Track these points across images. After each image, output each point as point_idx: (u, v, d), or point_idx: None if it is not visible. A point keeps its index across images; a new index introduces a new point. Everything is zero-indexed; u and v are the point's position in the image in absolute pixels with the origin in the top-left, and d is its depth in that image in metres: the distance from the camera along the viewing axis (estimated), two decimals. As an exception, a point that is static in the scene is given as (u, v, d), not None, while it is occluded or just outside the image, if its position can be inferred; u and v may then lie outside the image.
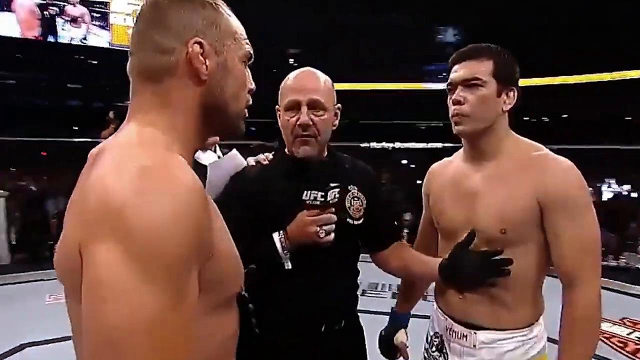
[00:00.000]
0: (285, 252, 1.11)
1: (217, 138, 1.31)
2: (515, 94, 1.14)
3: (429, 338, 1.29)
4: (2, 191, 5.75)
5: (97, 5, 11.03)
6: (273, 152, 1.30)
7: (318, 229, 1.09)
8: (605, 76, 11.90)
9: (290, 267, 1.13)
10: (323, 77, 1.21)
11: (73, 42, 10.06)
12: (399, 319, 1.41)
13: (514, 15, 11.73)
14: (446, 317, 1.22)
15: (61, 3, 10.06)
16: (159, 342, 0.48)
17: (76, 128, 12.91)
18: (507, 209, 1.09)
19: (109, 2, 11.47)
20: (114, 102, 7.36)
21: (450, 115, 1.16)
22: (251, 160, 1.28)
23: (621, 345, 3.63)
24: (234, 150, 1.30)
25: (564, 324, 1.07)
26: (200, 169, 1.19)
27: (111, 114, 3.21)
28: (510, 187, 1.10)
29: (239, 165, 1.27)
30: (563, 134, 11.69)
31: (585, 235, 1.06)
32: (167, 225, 0.49)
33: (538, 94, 10.95)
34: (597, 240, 1.08)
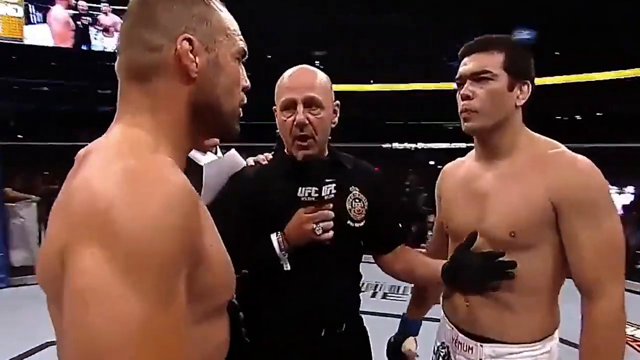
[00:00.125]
0: (283, 252, 1.09)
1: (217, 140, 1.30)
2: (530, 87, 1.07)
3: (436, 348, 1.23)
4: (34, 196, 5.96)
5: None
6: (273, 152, 1.27)
7: (314, 225, 1.06)
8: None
9: (289, 268, 1.10)
10: (319, 74, 1.17)
11: (106, 50, 10.45)
12: (408, 326, 1.35)
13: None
14: (452, 326, 1.16)
15: (94, 12, 10.49)
16: (147, 349, 0.45)
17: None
18: (517, 211, 1.02)
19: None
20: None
21: (459, 112, 1.10)
22: (250, 160, 1.27)
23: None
24: (233, 150, 1.28)
25: (583, 337, 0.99)
26: (199, 171, 1.17)
27: None
28: (521, 187, 1.03)
29: (237, 165, 1.25)
30: (598, 133, 11.26)
31: (605, 242, 0.97)
32: (153, 229, 0.47)
33: (571, 92, 10.64)
34: (619, 247, 0.99)
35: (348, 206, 1.18)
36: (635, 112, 10.85)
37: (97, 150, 0.57)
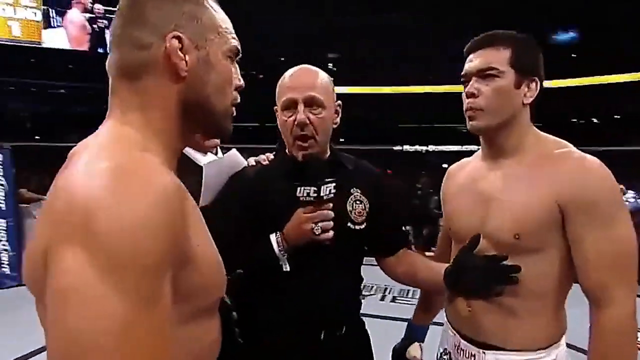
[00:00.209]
0: (282, 253, 1.08)
1: (218, 141, 1.30)
2: (538, 85, 1.03)
3: (439, 355, 1.20)
4: (49, 196, 6.05)
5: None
6: (274, 153, 1.26)
7: (313, 225, 1.05)
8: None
9: (288, 268, 1.09)
10: (320, 74, 1.16)
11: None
12: (414, 332, 1.31)
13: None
14: (455, 332, 1.12)
15: (110, 16, 10.69)
16: (128, 350, 0.45)
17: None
18: (522, 212, 0.98)
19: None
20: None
21: (464, 110, 1.06)
22: (252, 160, 1.26)
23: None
24: (234, 150, 1.27)
25: (591, 347, 0.94)
26: (200, 172, 1.17)
27: None
28: (527, 188, 0.99)
29: (238, 165, 1.24)
30: (615, 135, 11.04)
31: (615, 248, 0.92)
32: (135, 229, 0.46)
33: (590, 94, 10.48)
34: (629, 252, 0.94)
35: (349, 208, 1.16)
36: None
37: (84, 148, 0.57)
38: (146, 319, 0.46)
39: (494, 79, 1.01)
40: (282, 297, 1.12)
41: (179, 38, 0.61)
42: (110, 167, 0.50)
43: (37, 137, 12.91)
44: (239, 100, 0.71)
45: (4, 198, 4.81)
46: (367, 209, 1.18)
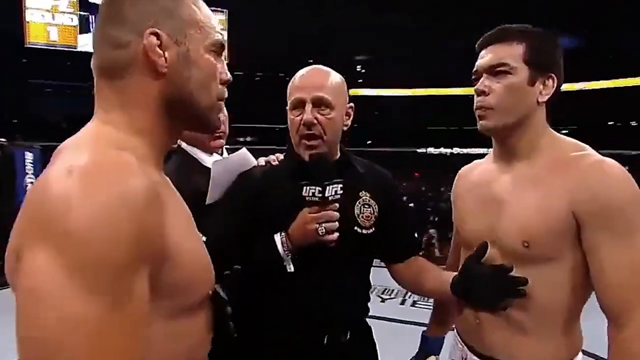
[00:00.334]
0: (286, 253, 1.06)
1: (223, 142, 1.30)
2: (555, 82, 0.96)
3: None
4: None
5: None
6: (285, 153, 1.25)
7: (318, 226, 1.03)
8: None
9: (292, 269, 1.07)
10: (332, 75, 1.14)
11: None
12: (429, 345, 1.25)
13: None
14: (463, 345, 1.07)
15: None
16: (97, 350, 0.45)
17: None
18: (532, 218, 0.91)
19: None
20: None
21: (474, 109, 1.01)
22: (261, 160, 1.25)
23: None
24: (244, 149, 1.27)
25: None
26: (206, 173, 1.18)
27: None
28: (538, 193, 0.92)
29: (247, 164, 1.23)
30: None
31: (636, 261, 0.84)
32: (102, 229, 0.46)
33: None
34: None
35: (356, 211, 1.14)
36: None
37: (66, 148, 0.57)
38: (114, 318, 0.47)
39: (505, 75, 0.95)
40: (285, 297, 1.10)
41: (156, 34, 0.60)
42: (80, 168, 0.49)
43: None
44: (226, 95, 0.70)
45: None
46: (375, 214, 1.15)
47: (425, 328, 1.30)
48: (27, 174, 5.10)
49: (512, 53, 0.95)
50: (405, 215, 1.30)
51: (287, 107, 1.16)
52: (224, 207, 1.16)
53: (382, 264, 1.29)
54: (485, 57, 0.99)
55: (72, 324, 0.44)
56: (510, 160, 1.01)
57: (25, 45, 11.50)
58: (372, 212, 1.15)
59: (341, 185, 1.05)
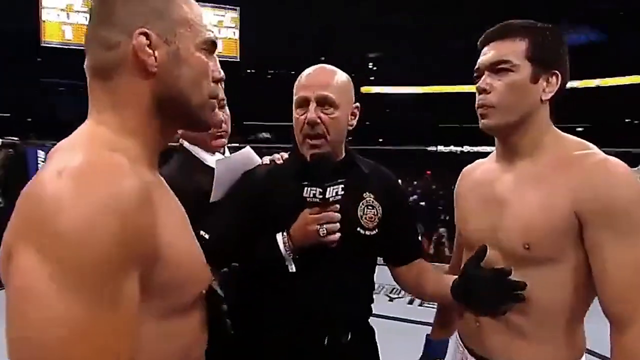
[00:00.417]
0: (288, 253, 1.06)
1: (224, 141, 1.30)
2: (560, 79, 0.94)
3: None
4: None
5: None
6: (289, 152, 1.24)
7: (318, 227, 1.02)
8: None
9: (294, 269, 1.06)
10: (337, 74, 1.13)
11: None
12: (433, 349, 1.23)
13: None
14: (464, 348, 1.05)
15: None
16: (83, 351, 0.46)
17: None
18: (533, 219, 0.89)
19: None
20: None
21: (476, 107, 0.99)
22: (266, 159, 1.25)
23: None
24: (248, 148, 1.26)
25: None
26: (208, 172, 1.18)
27: None
28: (540, 192, 0.90)
29: (252, 163, 1.23)
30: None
31: (636, 261, 0.82)
32: (89, 230, 0.47)
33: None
34: None
35: (359, 213, 1.13)
36: None
37: (59, 149, 0.58)
38: (102, 319, 0.47)
39: (507, 73, 0.93)
40: (285, 297, 1.10)
41: (146, 34, 0.61)
42: (70, 169, 0.50)
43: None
44: (218, 93, 0.70)
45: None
46: (379, 215, 1.14)
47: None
48: (40, 171, 5.16)
49: (514, 50, 0.93)
50: (409, 218, 1.30)
51: (293, 106, 1.16)
52: (226, 205, 1.16)
53: (391, 263, 1.27)
54: (486, 54, 0.97)
55: (59, 324, 0.45)
56: (513, 159, 0.99)
57: (41, 45, 11.71)
58: (375, 213, 1.14)
59: (342, 186, 1.04)
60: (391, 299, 4.27)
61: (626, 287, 0.83)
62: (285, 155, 1.24)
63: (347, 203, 1.07)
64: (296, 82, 1.16)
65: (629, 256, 0.83)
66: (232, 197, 1.17)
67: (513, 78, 0.93)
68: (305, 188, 1.04)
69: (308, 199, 1.04)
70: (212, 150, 1.29)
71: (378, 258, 1.22)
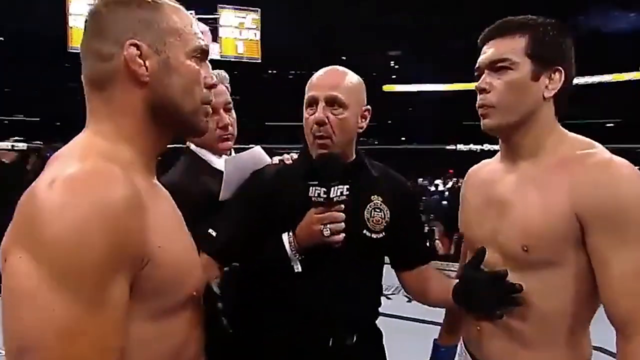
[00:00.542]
0: (294, 253, 1.06)
1: (230, 143, 1.31)
2: (563, 75, 0.90)
3: None
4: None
5: (210, 21, 12.88)
6: (299, 152, 1.24)
7: (322, 227, 1.02)
8: None
9: (299, 269, 1.07)
10: (349, 75, 1.14)
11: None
12: (440, 355, 1.21)
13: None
14: (467, 352, 1.03)
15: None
16: (73, 353, 0.49)
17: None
18: (534, 220, 0.86)
19: (218, 17, 13.20)
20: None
21: (476, 107, 0.96)
22: (276, 159, 1.25)
23: None
24: (257, 147, 1.27)
25: None
26: (215, 174, 1.20)
27: None
28: (541, 194, 0.87)
29: (261, 162, 1.23)
30: None
31: None
32: (78, 236, 0.50)
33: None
34: None
35: (367, 215, 1.12)
36: None
37: (56, 158, 0.61)
38: (90, 321, 0.50)
39: (506, 71, 0.90)
40: (290, 297, 1.10)
41: (136, 45, 0.63)
42: (62, 179, 0.53)
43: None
44: (212, 99, 0.72)
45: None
46: (386, 218, 1.13)
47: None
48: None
49: (513, 47, 0.90)
50: (418, 223, 1.28)
51: (303, 106, 1.17)
52: (235, 204, 1.17)
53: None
54: (486, 53, 0.94)
55: (46, 326, 0.48)
56: (516, 159, 0.97)
57: (68, 50, 12.11)
58: (382, 216, 1.13)
59: (347, 187, 1.04)
60: (409, 300, 4.30)
61: (630, 293, 0.79)
62: (295, 155, 1.24)
63: (354, 204, 1.07)
64: (308, 83, 1.16)
65: (632, 262, 0.79)
66: (241, 196, 1.18)
67: (512, 76, 0.90)
68: (311, 188, 1.05)
69: (313, 199, 1.05)
70: (219, 152, 1.30)
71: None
